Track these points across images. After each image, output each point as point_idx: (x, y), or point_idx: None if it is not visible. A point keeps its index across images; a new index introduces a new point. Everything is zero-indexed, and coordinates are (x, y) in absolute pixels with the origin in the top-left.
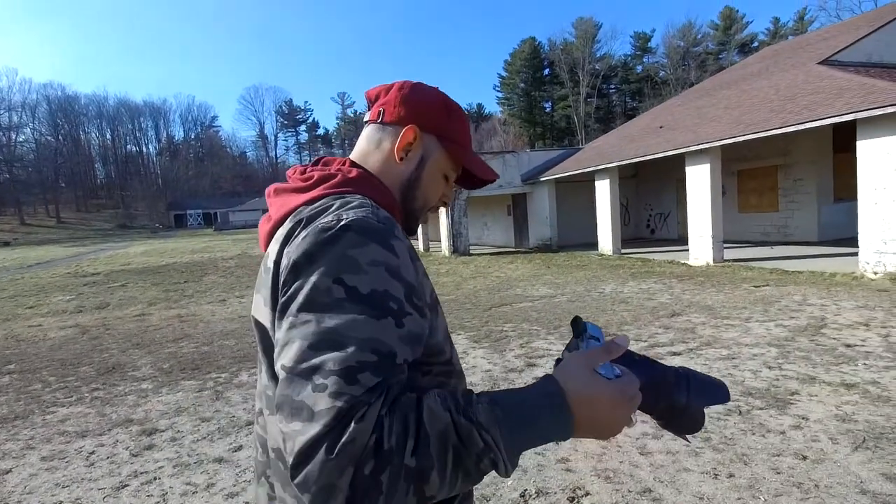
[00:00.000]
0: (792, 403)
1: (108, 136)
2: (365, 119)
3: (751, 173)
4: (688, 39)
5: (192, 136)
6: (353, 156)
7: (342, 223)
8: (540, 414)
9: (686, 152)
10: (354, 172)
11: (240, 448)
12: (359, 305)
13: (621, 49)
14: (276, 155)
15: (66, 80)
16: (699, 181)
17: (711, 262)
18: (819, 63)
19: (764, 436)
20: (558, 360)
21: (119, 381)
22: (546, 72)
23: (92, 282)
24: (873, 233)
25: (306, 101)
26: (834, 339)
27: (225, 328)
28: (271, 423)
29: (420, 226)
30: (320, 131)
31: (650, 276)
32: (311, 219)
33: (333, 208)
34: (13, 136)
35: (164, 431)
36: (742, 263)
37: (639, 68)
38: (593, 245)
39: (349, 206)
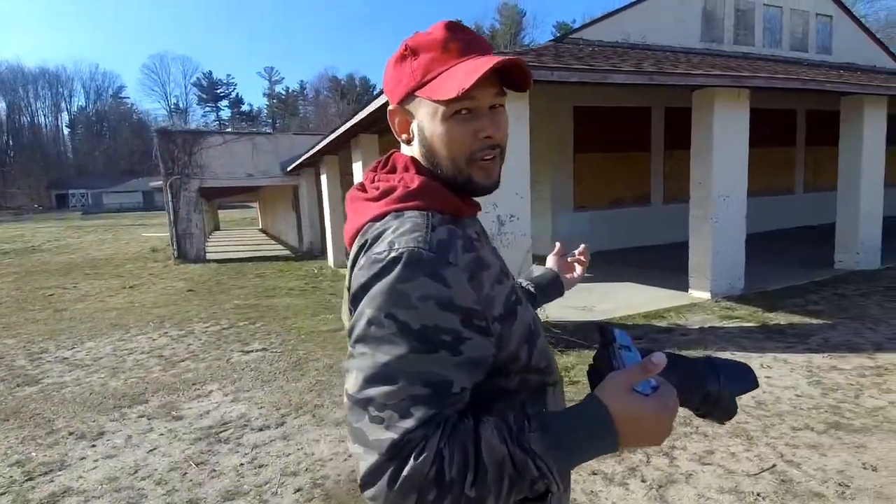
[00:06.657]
0: None
1: None
2: None
3: None
4: None
5: (95, 108)
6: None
7: (391, 256)
8: (589, 437)
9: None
10: (416, 182)
11: None
12: (410, 341)
13: (543, 38)
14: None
15: None
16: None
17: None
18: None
19: None
20: (591, 367)
21: None
22: None
23: None
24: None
25: (229, 75)
26: None
27: None
28: None
29: (483, 182)
30: (245, 107)
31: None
32: (373, 240)
33: (388, 232)
34: None
35: None
36: None
37: None
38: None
39: (402, 231)
